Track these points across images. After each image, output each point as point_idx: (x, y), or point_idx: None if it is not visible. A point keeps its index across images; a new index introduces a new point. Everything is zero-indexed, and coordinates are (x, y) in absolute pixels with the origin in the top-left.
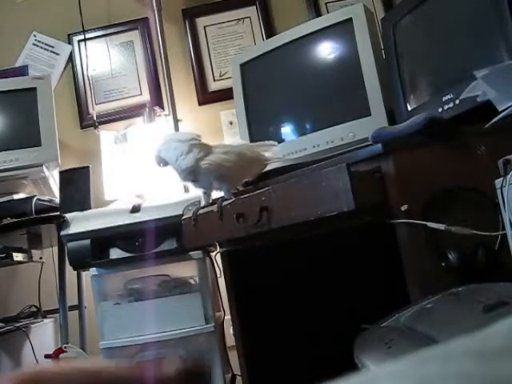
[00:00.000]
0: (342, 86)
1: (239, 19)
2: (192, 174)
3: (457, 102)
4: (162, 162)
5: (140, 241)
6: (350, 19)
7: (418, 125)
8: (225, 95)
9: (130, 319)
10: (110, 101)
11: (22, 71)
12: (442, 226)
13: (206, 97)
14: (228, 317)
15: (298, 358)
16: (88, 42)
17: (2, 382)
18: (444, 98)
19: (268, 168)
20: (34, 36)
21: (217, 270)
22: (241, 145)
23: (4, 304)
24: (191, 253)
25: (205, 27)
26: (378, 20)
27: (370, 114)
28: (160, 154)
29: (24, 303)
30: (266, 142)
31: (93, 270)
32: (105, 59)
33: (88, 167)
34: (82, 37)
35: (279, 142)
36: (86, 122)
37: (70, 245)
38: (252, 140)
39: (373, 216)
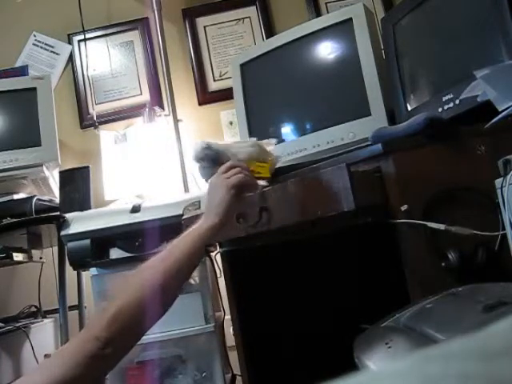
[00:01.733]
0: (342, 86)
1: (239, 19)
2: None
3: (457, 102)
4: (212, 153)
5: (140, 241)
6: (350, 19)
7: (418, 125)
8: (225, 95)
9: None
10: (110, 101)
11: (22, 71)
12: (441, 226)
13: (206, 97)
14: (228, 317)
15: (298, 357)
16: (88, 42)
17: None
18: (444, 98)
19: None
20: (34, 36)
21: (217, 270)
22: (254, 142)
23: (4, 304)
24: None
25: (205, 27)
26: (378, 20)
27: (370, 114)
28: (212, 145)
29: (24, 303)
30: (271, 140)
31: (93, 270)
32: (105, 59)
33: (88, 167)
34: (82, 37)
35: (279, 142)
36: (86, 122)
37: (70, 245)
38: None
39: (373, 216)
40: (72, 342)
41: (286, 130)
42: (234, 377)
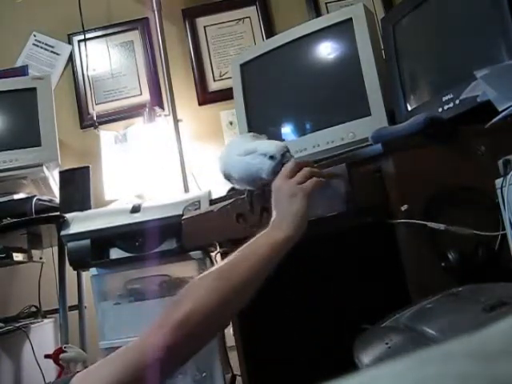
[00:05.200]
0: (342, 86)
1: (239, 19)
2: None
3: (457, 102)
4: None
5: (140, 241)
6: (350, 19)
7: (419, 125)
8: (225, 95)
9: (130, 319)
10: (110, 101)
11: (22, 71)
12: (441, 226)
13: (206, 97)
14: None
15: (298, 357)
16: (88, 42)
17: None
18: (444, 98)
19: None
20: (34, 36)
21: None
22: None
23: (4, 304)
24: (191, 253)
25: (205, 27)
26: (378, 20)
27: (370, 114)
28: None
29: (24, 303)
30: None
31: (93, 270)
32: (105, 59)
33: (88, 167)
34: (82, 37)
35: None
36: (86, 122)
37: (70, 245)
38: None
39: (373, 216)
40: (132, 347)
41: (286, 129)
42: (233, 377)
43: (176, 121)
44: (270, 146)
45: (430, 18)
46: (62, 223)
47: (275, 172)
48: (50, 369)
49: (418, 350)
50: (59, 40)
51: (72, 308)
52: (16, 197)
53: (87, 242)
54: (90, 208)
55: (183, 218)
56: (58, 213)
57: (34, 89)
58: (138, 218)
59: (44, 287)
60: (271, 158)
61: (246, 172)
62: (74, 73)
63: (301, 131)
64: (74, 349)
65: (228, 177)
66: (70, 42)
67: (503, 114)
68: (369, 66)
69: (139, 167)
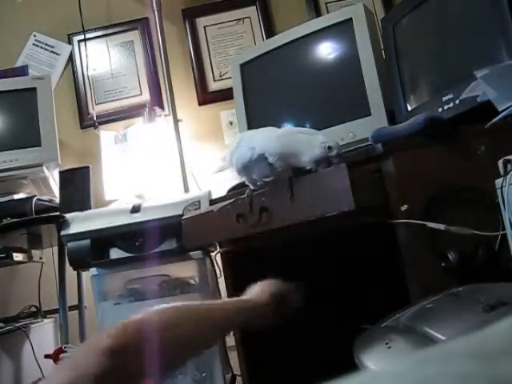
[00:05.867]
0: (342, 86)
1: (239, 19)
2: None
3: (457, 102)
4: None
5: (140, 241)
6: (350, 19)
7: (419, 125)
8: (225, 95)
9: None
10: (110, 101)
11: (22, 71)
12: (441, 226)
13: (206, 97)
14: None
15: (298, 357)
16: (88, 42)
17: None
18: (444, 98)
19: None
20: (34, 36)
21: (217, 270)
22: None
23: (4, 304)
24: (191, 253)
25: (205, 27)
26: (378, 20)
27: (370, 114)
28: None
29: (24, 303)
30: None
31: (93, 270)
32: (105, 59)
33: (88, 167)
34: (82, 37)
35: None
36: (86, 122)
37: (70, 245)
38: None
39: (373, 216)
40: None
41: None
42: (233, 377)
43: (176, 121)
44: (331, 138)
45: (430, 18)
46: (62, 223)
47: (318, 162)
48: (50, 369)
49: (418, 350)
50: (59, 40)
51: (72, 308)
52: (16, 197)
53: (87, 242)
54: (89, 208)
55: (183, 218)
56: (58, 213)
57: (34, 89)
58: (138, 218)
59: (44, 287)
60: (329, 148)
61: (291, 146)
62: (74, 73)
63: None
64: (74, 349)
65: (250, 158)
66: (70, 42)
67: (503, 114)
68: (369, 66)
69: (139, 167)
